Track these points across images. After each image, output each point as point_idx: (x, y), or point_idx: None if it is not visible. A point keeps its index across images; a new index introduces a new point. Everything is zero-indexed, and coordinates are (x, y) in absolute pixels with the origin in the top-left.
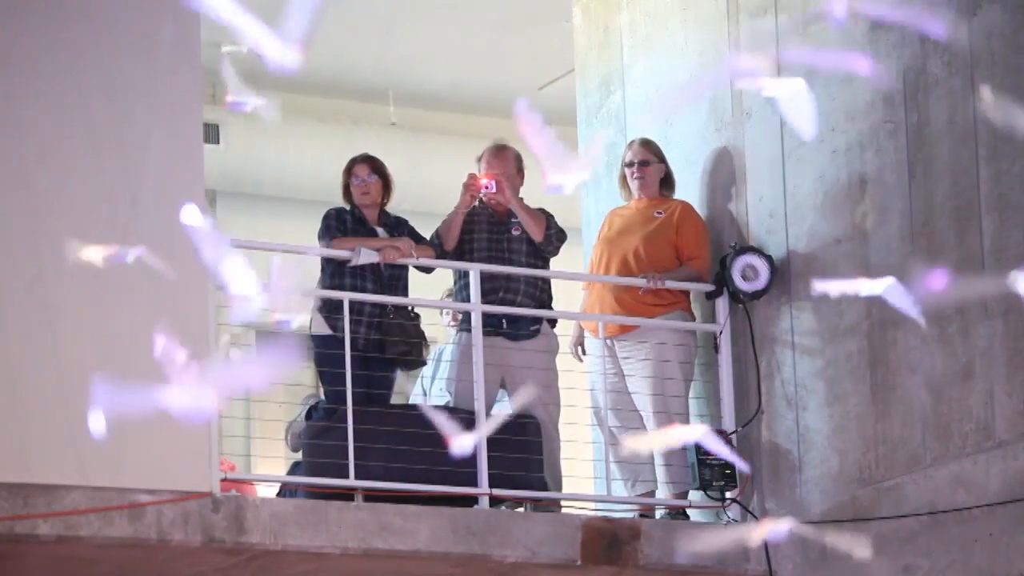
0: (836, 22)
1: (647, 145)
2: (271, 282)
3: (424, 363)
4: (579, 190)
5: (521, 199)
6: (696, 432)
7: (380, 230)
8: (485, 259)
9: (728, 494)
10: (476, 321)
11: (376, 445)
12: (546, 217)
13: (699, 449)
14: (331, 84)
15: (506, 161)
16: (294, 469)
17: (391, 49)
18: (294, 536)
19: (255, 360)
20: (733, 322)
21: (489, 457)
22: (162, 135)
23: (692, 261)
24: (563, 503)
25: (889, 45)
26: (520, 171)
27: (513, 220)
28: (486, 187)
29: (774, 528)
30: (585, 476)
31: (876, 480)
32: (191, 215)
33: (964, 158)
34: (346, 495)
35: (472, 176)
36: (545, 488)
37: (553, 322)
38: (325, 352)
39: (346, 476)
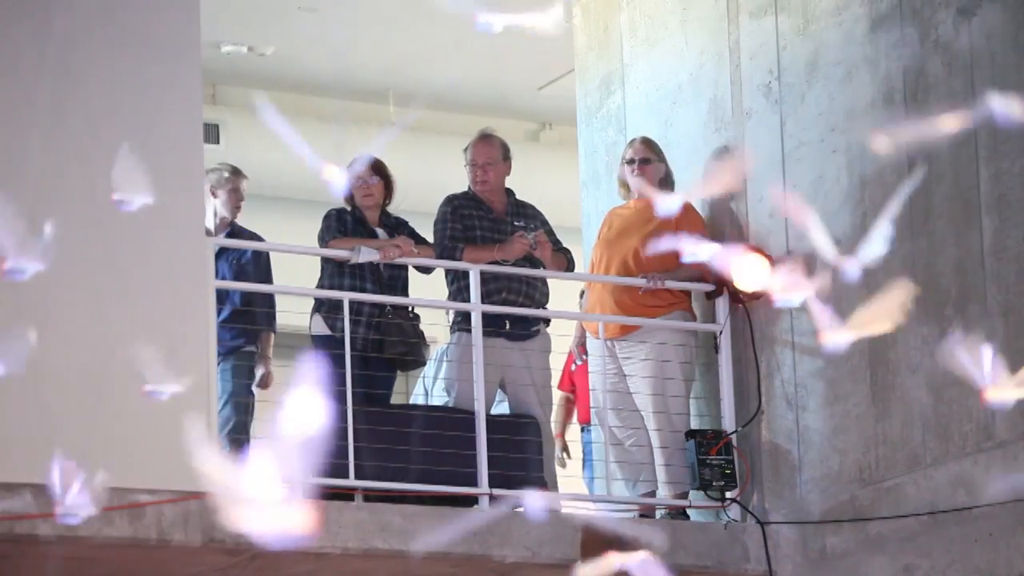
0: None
1: (648, 143)
2: None
3: (423, 363)
4: (579, 190)
5: (548, 243)
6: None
7: (380, 231)
8: None
9: (728, 494)
10: (476, 321)
11: (376, 445)
12: (567, 261)
13: (699, 449)
14: (331, 84)
15: (493, 148)
16: None
17: (391, 49)
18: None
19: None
20: (733, 322)
21: (489, 457)
22: (162, 134)
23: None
24: (563, 503)
25: (889, 45)
26: (507, 158)
27: (514, 223)
28: (531, 246)
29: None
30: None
31: (876, 480)
32: None
33: (964, 158)
34: (346, 495)
35: (520, 235)
36: (545, 488)
37: (546, 321)
38: (324, 352)
39: (346, 476)
